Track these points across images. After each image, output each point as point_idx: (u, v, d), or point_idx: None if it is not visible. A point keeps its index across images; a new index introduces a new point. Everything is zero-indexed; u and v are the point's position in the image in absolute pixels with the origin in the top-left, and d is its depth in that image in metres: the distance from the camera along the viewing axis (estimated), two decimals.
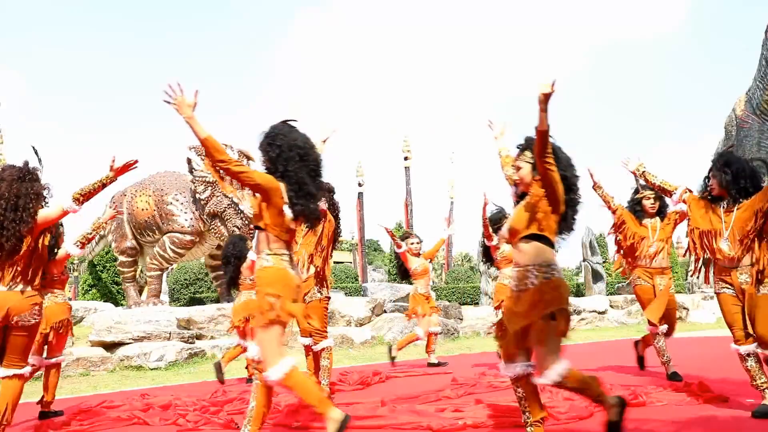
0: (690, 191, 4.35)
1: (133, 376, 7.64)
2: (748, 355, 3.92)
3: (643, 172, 4.77)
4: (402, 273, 7.66)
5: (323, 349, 5.16)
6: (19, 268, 3.73)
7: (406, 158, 22.35)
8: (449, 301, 14.84)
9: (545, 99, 2.87)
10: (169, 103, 3.12)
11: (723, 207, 4.08)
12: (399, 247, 7.46)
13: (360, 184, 21.80)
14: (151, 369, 8.05)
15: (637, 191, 5.56)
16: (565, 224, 3.21)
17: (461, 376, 5.82)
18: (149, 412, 4.60)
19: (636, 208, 5.58)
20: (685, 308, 14.69)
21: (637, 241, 5.51)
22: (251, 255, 6.52)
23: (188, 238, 11.94)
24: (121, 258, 12.64)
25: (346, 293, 15.66)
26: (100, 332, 8.72)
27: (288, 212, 3.27)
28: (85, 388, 6.75)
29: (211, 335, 9.83)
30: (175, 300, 16.77)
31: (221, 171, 3.29)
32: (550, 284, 3.03)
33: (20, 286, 3.72)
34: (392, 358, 7.09)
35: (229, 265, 6.45)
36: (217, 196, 11.43)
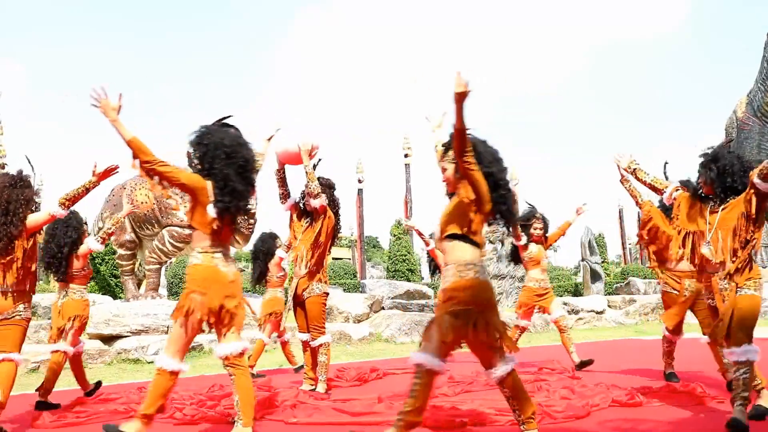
0: (684, 188, 4.10)
1: (130, 369, 7.64)
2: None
3: (635, 169, 4.56)
4: (433, 269, 7.73)
5: (321, 345, 5.16)
6: (12, 270, 3.96)
7: (406, 155, 22.34)
8: None
9: (460, 98, 2.85)
10: (95, 106, 3.25)
11: (710, 207, 3.85)
12: (427, 244, 7.50)
13: (360, 181, 21.78)
14: (149, 362, 8.05)
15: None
16: (503, 219, 3.18)
17: (458, 374, 5.82)
18: None
19: (667, 205, 5.12)
20: None
21: (664, 241, 5.04)
22: (279, 252, 6.60)
23: (187, 232, 11.91)
24: (120, 251, 12.62)
25: (344, 289, 15.65)
26: (98, 325, 8.72)
27: (210, 210, 3.34)
28: None
29: (209, 329, 9.82)
30: (174, 294, 16.75)
31: (148, 171, 3.38)
32: (461, 283, 3.01)
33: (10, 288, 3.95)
34: None
35: (258, 261, 6.66)
36: None
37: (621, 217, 26.99)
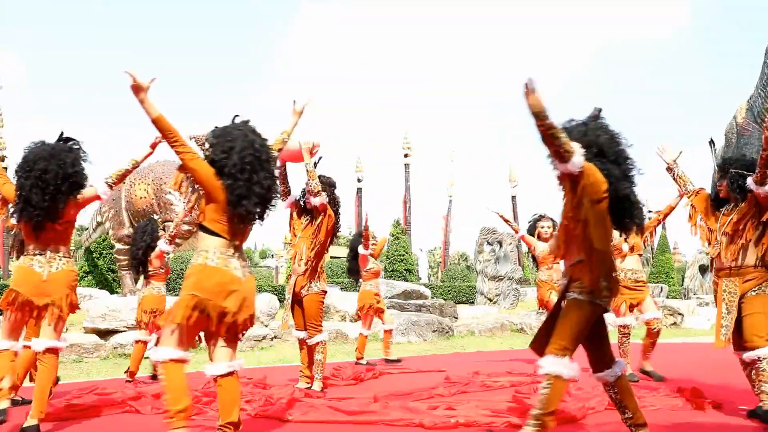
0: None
1: (126, 363, 7.61)
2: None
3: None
4: (533, 259, 7.48)
5: (317, 343, 5.15)
6: None
7: (406, 155, 22.35)
8: (445, 300, 14.85)
9: (135, 93, 2.96)
10: None
11: None
12: (516, 231, 7.36)
13: (359, 180, 21.78)
14: (145, 357, 8.02)
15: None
16: (237, 210, 3.05)
17: (455, 375, 5.82)
18: (141, 401, 4.59)
19: (720, 196, 4.25)
20: (680, 314, 14.71)
21: (703, 236, 4.30)
22: (361, 249, 7.30)
23: (186, 227, 11.92)
24: (118, 246, 12.63)
25: (341, 288, 15.66)
26: (95, 319, 8.71)
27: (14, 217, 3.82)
28: (78, 374, 6.74)
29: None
30: (171, 289, 16.74)
31: None
32: (190, 269, 3.10)
33: None
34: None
35: (352, 259, 7.58)
36: None
37: None
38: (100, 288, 14.36)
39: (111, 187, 4.05)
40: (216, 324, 3.05)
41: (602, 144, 3.02)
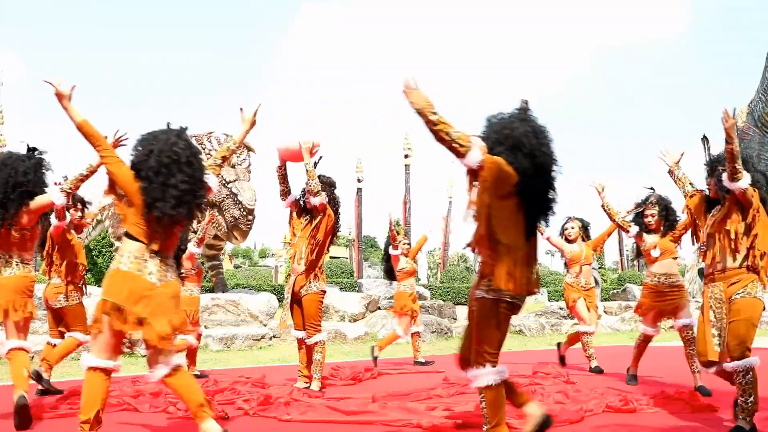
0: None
1: (124, 362, 7.57)
2: None
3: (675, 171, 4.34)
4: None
5: (316, 343, 5.16)
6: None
7: (406, 156, 22.34)
8: (444, 301, 14.84)
9: (59, 99, 3.03)
10: None
11: None
12: (542, 233, 7.22)
13: (359, 180, 21.78)
14: (143, 356, 8.03)
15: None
16: (151, 212, 3.03)
17: (453, 376, 5.81)
18: (139, 399, 4.60)
19: (711, 197, 4.08)
20: None
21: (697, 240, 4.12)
22: (391, 250, 7.46)
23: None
24: (118, 244, 12.60)
25: (341, 288, 15.65)
26: None
27: None
28: (76, 371, 6.73)
29: (205, 324, 9.81)
30: None
31: None
32: (106, 274, 3.10)
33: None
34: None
35: (386, 261, 7.68)
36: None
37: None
38: (99, 286, 14.35)
39: (68, 194, 4.21)
40: (133, 328, 3.00)
41: (518, 136, 2.86)
